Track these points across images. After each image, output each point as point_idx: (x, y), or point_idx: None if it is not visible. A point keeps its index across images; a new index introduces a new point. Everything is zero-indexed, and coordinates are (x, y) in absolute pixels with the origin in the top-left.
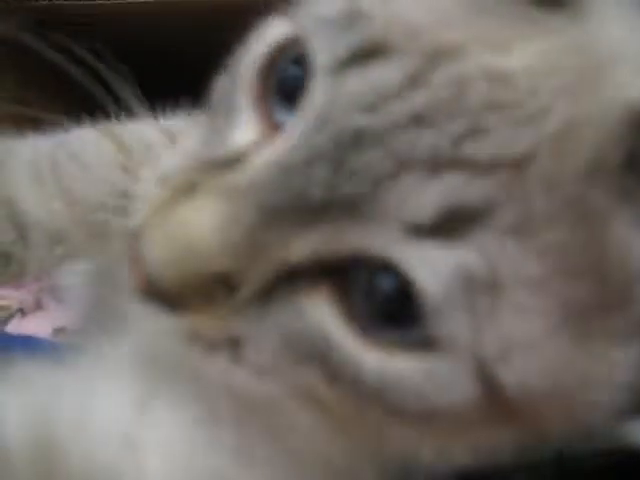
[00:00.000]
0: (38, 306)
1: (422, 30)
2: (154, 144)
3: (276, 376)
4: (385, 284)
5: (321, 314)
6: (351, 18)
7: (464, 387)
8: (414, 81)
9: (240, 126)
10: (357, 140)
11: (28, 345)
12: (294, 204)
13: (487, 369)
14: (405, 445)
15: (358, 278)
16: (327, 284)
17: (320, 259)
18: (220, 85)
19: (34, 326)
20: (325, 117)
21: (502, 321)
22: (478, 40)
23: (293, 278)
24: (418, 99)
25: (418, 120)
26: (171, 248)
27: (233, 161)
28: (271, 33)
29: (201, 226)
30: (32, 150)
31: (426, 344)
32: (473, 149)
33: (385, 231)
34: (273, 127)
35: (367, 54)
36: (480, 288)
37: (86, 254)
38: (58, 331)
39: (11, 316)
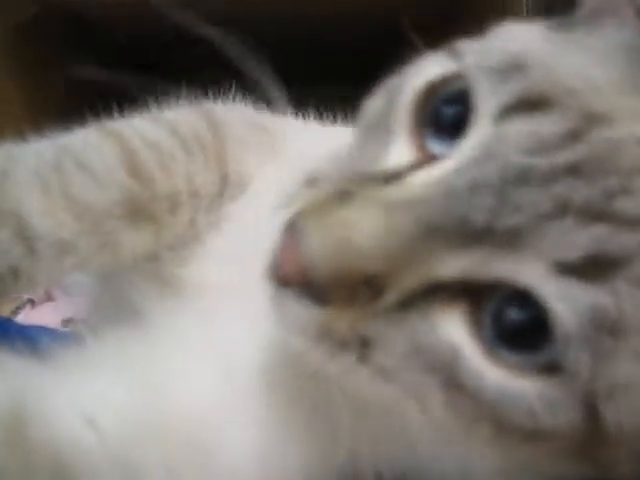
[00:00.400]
0: (48, 297)
1: (578, 93)
2: (158, 142)
3: (397, 380)
4: (520, 311)
5: (453, 328)
6: (516, 69)
7: (571, 415)
8: (574, 136)
9: (395, 148)
10: (521, 178)
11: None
12: (453, 225)
13: (595, 403)
14: (498, 458)
15: (493, 300)
16: (463, 302)
17: (465, 280)
18: (374, 105)
19: (44, 316)
20: (490, 152)
21: (618, 363)
22: (628, 112)
23: (434, 291)
24: (577, 152)
25: (576, 171)
26: (331, 244)
27: (389, 177)
28: (431, 68)
29: (362, 229)
30: (35, 157)
31: (548, 369)
32: (621, 205)
33: (534, 264)
34: (425, 153)
35: (531, 104)
36: (607, 329)
37: (96, 264)
38: (67, 322)
39: (21, 306)
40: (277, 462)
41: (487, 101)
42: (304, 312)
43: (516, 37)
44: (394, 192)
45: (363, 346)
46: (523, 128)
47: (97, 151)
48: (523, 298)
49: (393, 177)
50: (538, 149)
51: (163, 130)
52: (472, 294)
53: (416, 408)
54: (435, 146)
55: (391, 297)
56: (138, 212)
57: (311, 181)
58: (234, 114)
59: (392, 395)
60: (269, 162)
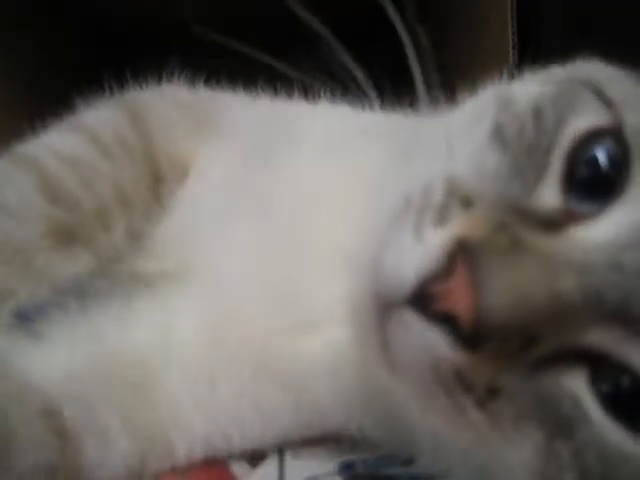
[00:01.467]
0: None
1: None
2: (76, 156)
3: (508, 429)
4: (635, 390)
5: (577, 386)
6: None
7: None
8: None
9: (549, 187)
10: None
11: None
12: (613, 301)
13: None
14: None
15: (615, 372)
16: (587, 365)
17: (599, 351)
18: (520, 126)
19: None
20: None
21: None
22: None
23: (568, 353)
24: None
25: None
26: (513, 297)
27: (547, 223)
28: (590, 116)
29: (538, 287)
30: None
31: None
32: None
33: None
34: (567, 204)
35: None
36: None
37: (38, 298)
38: None
39: None
40: None
41: None
42: (446, 352)
43: (634, 96)
44: (560, 246)
45: (489, 394)
46: None
47: (10, 184)
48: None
49: (551, 225)
50: None
51: (81, 139)
52: (597, 360)
53: (514, 454)
54: (574, 197)
55: (536, 353)
56: (69, 238)
57: (467, 201)
58: (163, 99)
59: (492, 440)
60: (209, 140)
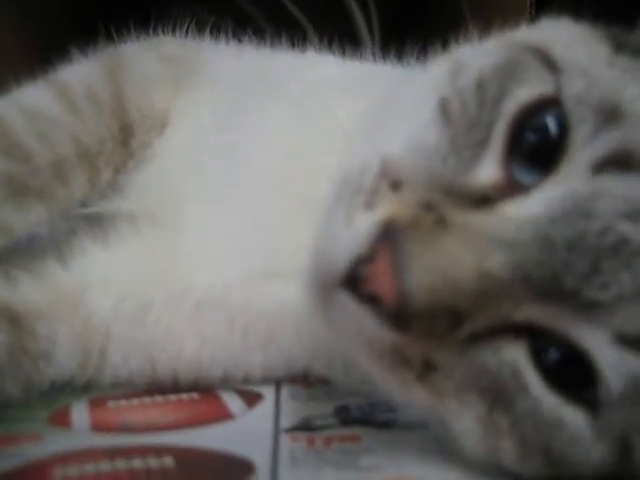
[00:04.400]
0: None
1: None
2: (39, 110)
3: (449, 399)
4: (573, 361)
5: (517, 358)
6: (613, 117)
7: (603, 451)
8: None
9: (485, 164)
10: (617, 248)
11: None
12: (545, 278)
13: (628, 445)
14: (519, 467)
15: (553, 344)
16: (525, 338)
17: (535, 325)
18: (462, 102)
19: None
20: (588, 210)
21: None
22: None
23: (503, 326)
24: None
25: None
26: (435, 277)
27: (479, 200)
28: (533, 84)
29: (462, 265)
30: None
31: (591, 406)
32: None
33: (599, 332)
34: (508, 175)
35: (623, 161)
36: None
37: None
38: None
39: None
40: None
41: (584, 147)
42: (376, 331)
43: (593, 58)
44: (489, 223)
45: (426, 368)
46: (618, 189)
47: None
48: (579, 353)
49: (483, 201)
50: (634, 217)
51: (51, 93)
52: (535, 334)
53: (459, 423)
54: (518, 170)
55: (466, 329)
56: (21, 190)
57: (395, 184)
58: (148, 52)
59: (439, 409)
60: (186, 91)
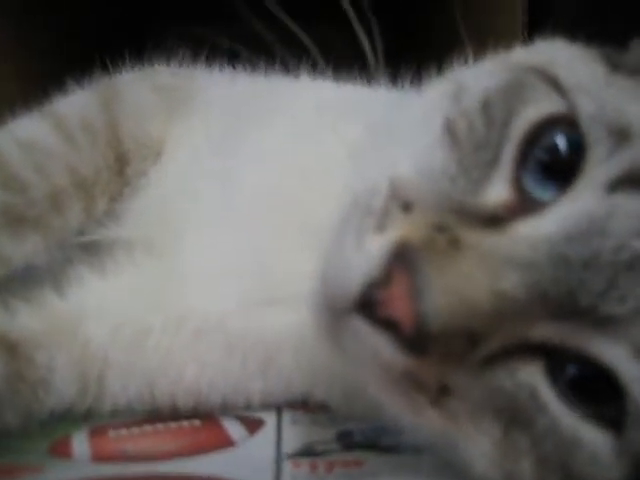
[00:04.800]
0: None
1: None
2: (35, 142)
3: (464, 424)
4: (594, 378)
5: (533, 378)
6: (624, 136)
7: (623, 469)
8: None
9: (495, 183)
10: (631, 264)
11: None
12: (560, 297)
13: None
14: None
15: (570, 362)
16: (542, 358)
17: (552, 344)
18: (470, 122)
19: None
20: (603, 228)
21: None
22: None
23: (518, 348)
24: None
25: None
26: (452, 299)
27: (490, 220)
28: (541, 103)
29: (478, 286)
30: None
31: (612, 425)
32: None
33: (620, 347)
34: (522, 194)
35: (636, 180)
36: None
37: None
38: None
39: None
40: None
41: (600, 166)
42: (391, 356)
43: (593, 78)
44: (502, 243)
45: (440, 393)
46: (632, 208)
47: None
48: (599, 367)
49: (494, 221)
50: None
51: (46, 125)
52: (552, 353)
53: (473, 446)
54: (533, 186)
55: (482, 351)
56: (18, 221)
57: (406, 205)
58: (141, 82)
59: (451, 433)
60: (180, 120)
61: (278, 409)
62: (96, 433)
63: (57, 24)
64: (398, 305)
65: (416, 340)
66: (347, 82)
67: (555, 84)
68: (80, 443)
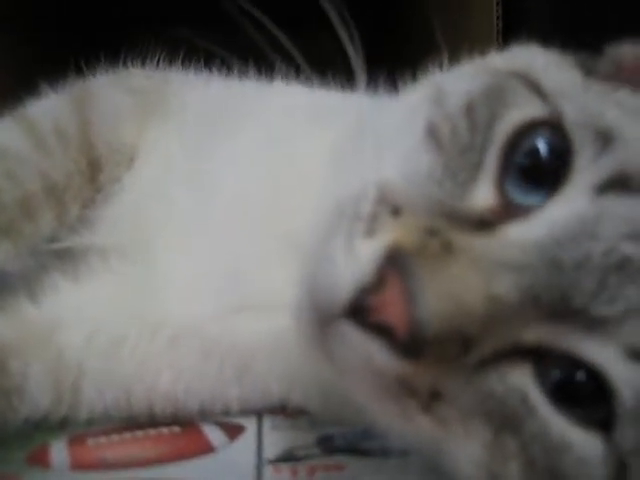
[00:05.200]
0: None
1: None
2: (7, 148)
3: (453, 428)
4: (583, 379)
5: (523, 381)
6: (608, 140)
7: (604, 470)
8: None
9: (481, 187)
10: (621, 267)
11: None
12: (552, 299)
13: (626, 462)
14: None
15: (559, 364)
16: (531, 360)
17: (542, 346)
18: (453, 125)
19: None
20: (592, 231)
21: None
22: None
23: (509, 352)
24: None
25: None
26: (447, 304)
27: (479, 223)
28: (525, 108)
29: (472, 290)
30: None
31: (599, 426)
32: None
33: (609, 348)
34: (504, 197)
35: (621, 183)
36: None
37: None
38: None
39: None
40: None
41: (586, 169)
42: (384, 361)
43: (571, 83)
44: (493, 247)
45: (431, 397)
46: (620, 210)
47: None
48: (588, 370)
49: (484, 225)
50: (636, 237)
51: (19, 130)
52: (540, 356)
53: (461, 450)
54: (515, 192)
55: (475, 355)
56: None
57: (395, 209)
58: (116, 85)
59: (439, 437)
60: (155, 124)
61: (259, 415)
62: (75, 441)
63: (32, 27)
64: (392, 310)
65: (410, 345)
66: (323, 87)
67: (537, 89)
68: (59, 452)
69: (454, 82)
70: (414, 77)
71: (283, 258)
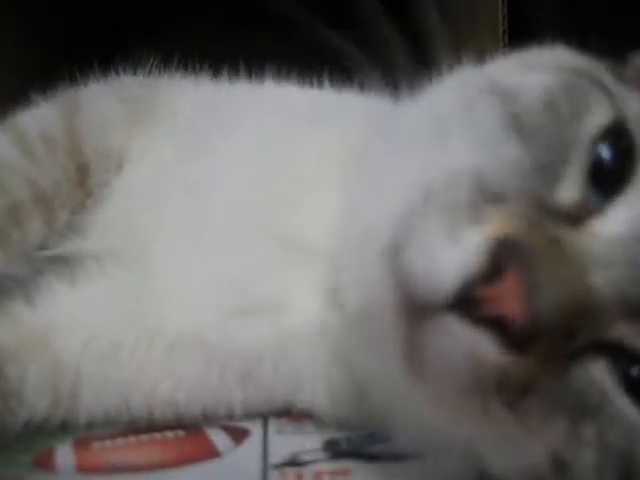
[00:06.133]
0: None
1: None
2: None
3: (535, 422)
4: None
5: (601, 374)
6: None
7: None
8: None
9: (567, 182)
10: None
11: None
12: (635, 296)
13: None
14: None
15: (631, 360)
16: (607, 356)
17: (622, 344)
18: (539, 120)
19: None
20: None
21: None
22: None
23: (592, 346)
24: None
25: None
26: (563, 295)
27: (567, 218)
28: (599, 111)
29: (581, 284)
30: None
31: None
32: None
33: None
34: (585, 197)
35: None
36: None
37: None
38: None
39: None
40: None
41: None
42: (492, 355)
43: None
44: (588, 242)
45: (522, 393)
46: None
47: None
48: None
49: (573, 220)
50: None
51: (7, 139)
52: (619, 350)
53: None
54: (591, 193)
55: (569, 350)
56: None
57: (494, 198)
58: (107, 93)
59: (514, 435)
60: (144, 130)
61: (264, 418)
62: (80, 445)
63: (22, 34)
64: (510, 302)
65: (524, 338)
66: (316, 87)
67: (605, 89)
68: (64, 455)
69: (514, 76)
70: (439, 73)
71: (283, 259)
